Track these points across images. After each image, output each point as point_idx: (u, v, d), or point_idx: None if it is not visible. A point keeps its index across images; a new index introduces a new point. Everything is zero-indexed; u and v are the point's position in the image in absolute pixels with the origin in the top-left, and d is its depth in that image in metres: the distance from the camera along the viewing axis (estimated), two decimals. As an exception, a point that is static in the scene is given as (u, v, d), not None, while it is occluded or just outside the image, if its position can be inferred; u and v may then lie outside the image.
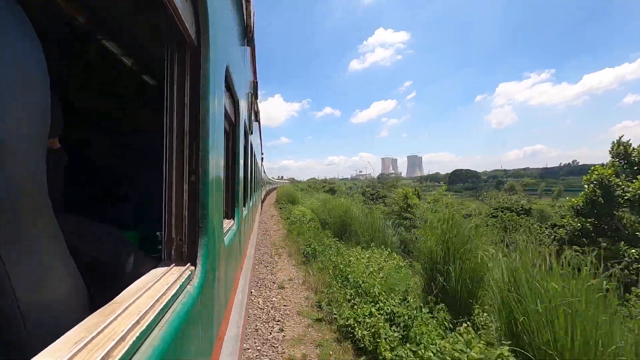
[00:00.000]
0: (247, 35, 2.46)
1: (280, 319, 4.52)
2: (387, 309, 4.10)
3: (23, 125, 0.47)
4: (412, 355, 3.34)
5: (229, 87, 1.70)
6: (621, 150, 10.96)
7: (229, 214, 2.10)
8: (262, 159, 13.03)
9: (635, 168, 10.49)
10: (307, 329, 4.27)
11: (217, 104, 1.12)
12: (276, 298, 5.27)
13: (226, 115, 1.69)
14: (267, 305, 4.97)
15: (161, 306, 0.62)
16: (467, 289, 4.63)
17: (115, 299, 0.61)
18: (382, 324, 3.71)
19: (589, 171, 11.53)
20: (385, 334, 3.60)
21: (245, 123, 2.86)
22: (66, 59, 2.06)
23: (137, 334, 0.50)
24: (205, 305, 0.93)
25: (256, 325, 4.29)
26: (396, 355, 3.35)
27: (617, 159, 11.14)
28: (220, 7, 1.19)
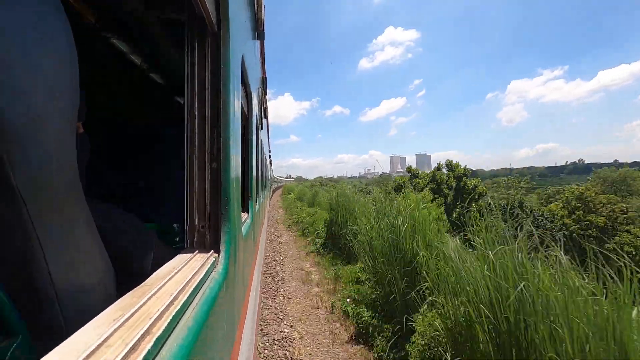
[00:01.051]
0: (257, 28, 2.45)
1: (276, 215, 18.54)
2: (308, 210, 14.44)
3: (56, 100, 0.47)
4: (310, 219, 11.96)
5: (244, 79, 1.69)
6: (409, 169, 21.76)
7: (243, 207, 2.11)
8: (269, 156, 13.08)
9: (413, 176, 20.49)
10: (282, 216, 17.59)
11: (235, 93, 1.11)
12: (276, 216, 17.97)
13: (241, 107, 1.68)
14: (274, 216, 17.81)
15: (191, 289, 0.61)
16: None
17: (145, 282, 0.61)
18: (303, 214, 13.65)
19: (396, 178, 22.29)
20: (302, 215, 13.54)
21: (256, 118, 2.86)
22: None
23: (173, 313, 0.49)
24: (229, 291, 0.92)
25: (274, 215, 18.35)
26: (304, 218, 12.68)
27: (408, 173, 21.41)
28: None
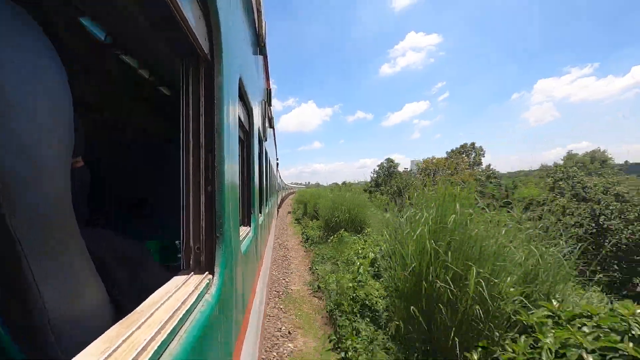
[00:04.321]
0: (259, 44, 2.51)
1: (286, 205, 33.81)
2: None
3: (55, 145, 0.50)
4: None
5: (242, 97, 1.73)
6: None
7: (245, 221, 2.13)
8: (277, 164, 13.19)
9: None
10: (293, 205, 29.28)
11: (231, 115, 1.14)
12: (286, 205, 33.03)
13: (240, 124, 1.72)
14: (286, 205, 33.60)
15: (180, 315, 0.63)
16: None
17: (136, 309, 0.63)
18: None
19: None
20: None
21: (259, 130, 2.91)
22: (86, 74, 2.18)
23: (158, 344, 0.51)
24: (224, 312, 0.94)
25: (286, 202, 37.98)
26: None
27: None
28: (232, 21, 1.22)
